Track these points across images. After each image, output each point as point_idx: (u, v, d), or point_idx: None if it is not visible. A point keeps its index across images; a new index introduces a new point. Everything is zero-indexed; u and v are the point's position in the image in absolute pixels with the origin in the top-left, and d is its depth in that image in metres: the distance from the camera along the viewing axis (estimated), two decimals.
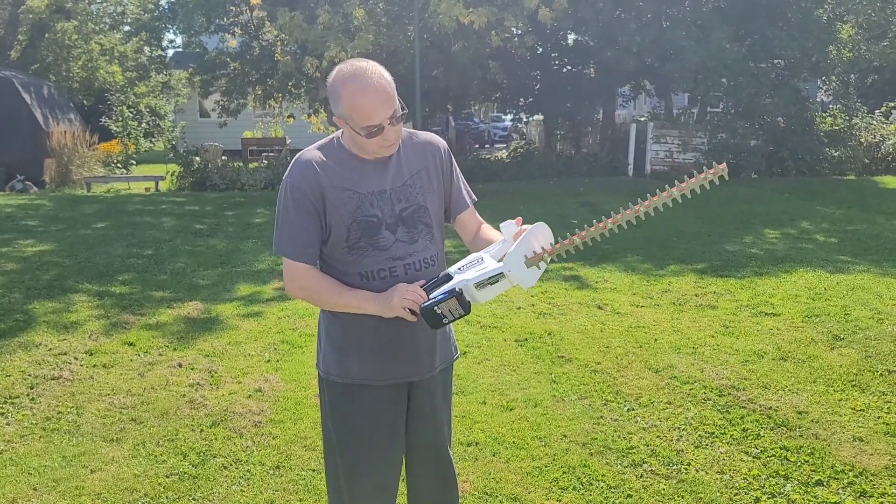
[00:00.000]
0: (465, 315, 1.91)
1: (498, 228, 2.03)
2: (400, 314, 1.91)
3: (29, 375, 4.37)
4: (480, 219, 2.26)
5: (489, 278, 1.89)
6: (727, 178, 1.88)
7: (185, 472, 3.26)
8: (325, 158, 2.01)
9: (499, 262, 1.91)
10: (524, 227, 1.97)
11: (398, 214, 2.03)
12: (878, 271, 6.60)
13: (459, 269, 1.94)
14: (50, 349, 4.82)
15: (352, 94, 1.89)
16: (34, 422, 3.78)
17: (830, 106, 19.12)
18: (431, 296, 1.90)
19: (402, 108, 1.95)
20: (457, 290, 1.88)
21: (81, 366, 4.55)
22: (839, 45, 17.84)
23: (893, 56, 19.63)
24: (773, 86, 14.98)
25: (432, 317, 1.90)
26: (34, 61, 21.73)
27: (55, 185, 14.82)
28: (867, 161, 15.77)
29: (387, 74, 1.94)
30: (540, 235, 1.96)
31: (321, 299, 2.06)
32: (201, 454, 3.42)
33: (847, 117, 16.72)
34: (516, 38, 14.93)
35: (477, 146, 24.04)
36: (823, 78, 19.50)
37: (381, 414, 2.10)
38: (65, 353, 4.74)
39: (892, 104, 17.35)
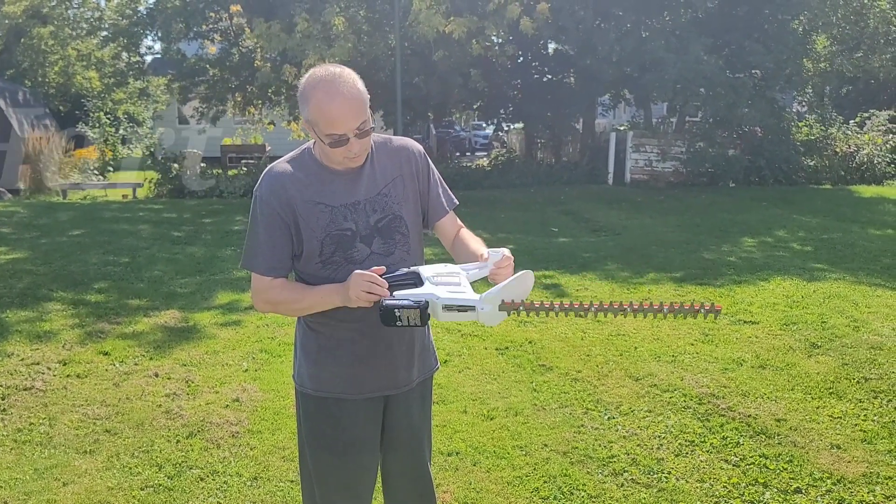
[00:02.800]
0: (417, 326, 1.84)
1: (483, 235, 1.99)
2: (360, 304, 1.83)
3: (0, 386, 4.28)
4: (460, 223, 2.20)
5: (460, 305, 1.82)
6: (716, 320, 1.86)
7: (160, 485, 3.20)
8: (295, 171, 1.96)
9: (475, 293, 1.84)
10: (511, 261, 1.91)
11: (373, 226, 1.98)
12: (854, 279, 6.68)
13: (433, 277, 1.87)
14: (22, 359, 4.73)
15: (320, 99, 1.84)
16: (5, 433, 3.69)
17: (806, 116, 19.39)
18: (398, 295, 1.82)
19: (372, 122, 1.90)
20: (423, 302, 1.81)
21: (55, 376, 4.47)
22: (814, 56, 18.12)
23: (867, 67, 19.98)
24: (750, 96, 15.17)
25: (388, 316, 1.81)
26: (9, 66, 21.47)
27: (30, 192, 14.62)
28: (842, 171, 16.01)
29: (360, 84, 1.88)
30: (523, 285, 1.89)
31: (290, 308, 2.02)
32: (177, 466, 3.37)
33: (822, 127, 16.98)
34: (497, 47, 15.00)
35: (458, 154, 24.07)
36: (799, 89, 19.79)
37: (356, 428, 2.06)
38: (38, 363, 4.65)
39: (866, 115, 17.63)
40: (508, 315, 1.87)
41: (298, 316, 2.06)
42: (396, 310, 1.80)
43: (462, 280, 1.88)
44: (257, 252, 1.97)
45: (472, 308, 1.82)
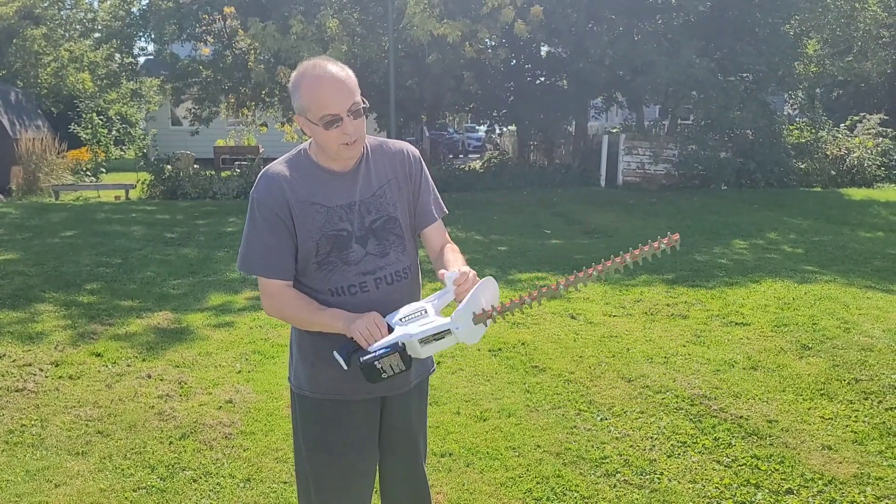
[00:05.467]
0: (404, 371, 1.83)
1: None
2: (352, 334, 1.85)
3: None
4: (447, 238, 2.16)
5: (434, 335, 1.82)
6: (678, 249, 1.86)
7: (153, 486, 3.20)
8: (291, 172, 1.96)
9: (445, 317, 1.84)
10: (469, 275, 1.89)
11: (368, 226, 1.98)
12: (844, 281, 6.72)
13: (402, 320, 1.85)
14: (14, 360, 4.71)
15: (309, 82, 1.86)
16: None
17: (797, 119, 19.50)
18: (371, 348, 1.81)
19: (364, 103, 1.90)
20: (399, 344, 1.80)
21: (46, 377, 4.46)
22: (805, 59, 18.21)
23: (857, 71, 20.10)
24: (742, 99, 15.26)
25: (371, 371, 1.81)
26: (1, 67, 21.38)
27: (22, 193, 14.55)
28: (833, 173, 16.10)
29: (348, 69, 1.91)
30: (488, 291, 1.87)
31: (296, 321, 2.01)
32: (170, 467, 3.36)
33: (813, 130, 17.07)
34: (490, 50, 15.03)
35: (451, 156, 24.10)
36: (790, 92, 19.90)
37: (353, 429, 2.06)
38: (29, 365, 4.63)
39: (856, 118, 17.74)
40: (486, 326, 1.87)
41: (301, 328, 2.05)
42: (376, 362, 1.80)
43: (429, 311, 1.87)
44: (259, 255, 1.96)
45: (448, 331, 1.82)
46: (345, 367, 1.86)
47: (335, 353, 1.87)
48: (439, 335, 1.82)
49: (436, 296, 1.92)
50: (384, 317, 1.88)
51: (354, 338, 1.84)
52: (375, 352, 1.80)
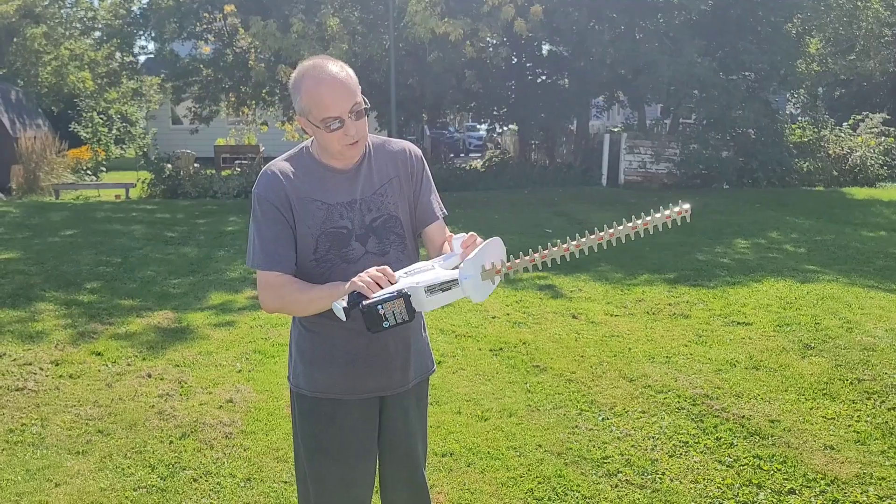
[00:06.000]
0: (407, 322, 1.74)
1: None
2: (352, 286, 1.76)
3: None
4: (449, 234, 2.12)
5: (441, 283, 1.75)
6: (688, 221, 1.83)
7: (153, 485, 3.19)
8: (292, 169, 1.96)
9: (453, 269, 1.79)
10: (477, 238, 1.86)
11: (368, 225, 1.97)
12: (847, 281, 6.71)
13: (406, 272, 1.81)
14: (14, 359, 4.70)
15: (310, 84, 1.85)
16: None
17: (799, 118, 19.48)
18: (375, 294, 1.73)
19: (365, 104, 1.89)
20: (405, 291, 1.72)
21: (47, 376, 4.45)
22: (807, 58, 18.20)
23: (860, 70, 20.07)
24: (744, 98, 15.23)
25: (373, 316, 1.72)
26: (2, 66, 21.38)
27: (22, 192, 14.54)
28: (835, 172, 16.08)
29: (349, 69, 1.89)
30: (496, 251, 1.83)
31: (296, 302, 1.93)
32: (170, 466, 3.35)
33: (815, 130, 17.05)
34: (491, 49, 15.01)
35: (452, 155, 24.09)
36: (792, 91, 19.88)
37: (351, 429, 2.05)
38: (30, 364, 4.63)
39: (859, 117, 17.72)
40: (494, 285, 1.82)
41: (302, 314, 1.99)
42: (379, 306, 1.71)
43: (436, 266, 1.82)
44: (262, 249, 1.94)
45: (455, 282, 1.76)
46: (343, 319, 1.76)
47: (334, 303, 1.77)
48: (446, 285, 1.76)
49: (443, 257, 1.89)
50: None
51: (355, 287, 1.75)
52: (378, 296, 1.72)
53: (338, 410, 2.03)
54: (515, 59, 17.59)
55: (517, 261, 1.82)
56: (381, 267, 1.79)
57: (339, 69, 1.86)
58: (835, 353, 4.78)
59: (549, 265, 1.87)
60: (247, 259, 1.99)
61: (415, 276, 1.79)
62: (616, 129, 18.81)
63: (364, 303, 1.72)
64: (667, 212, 1.79)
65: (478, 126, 30.18)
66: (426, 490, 2.25)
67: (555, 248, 1.84)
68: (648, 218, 1.80)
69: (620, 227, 1.81)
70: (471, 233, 1.88)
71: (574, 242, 1.84)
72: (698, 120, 16.34)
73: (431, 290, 1.75)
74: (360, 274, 1.77)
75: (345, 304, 1.76)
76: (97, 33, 22.05)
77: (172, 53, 16.79)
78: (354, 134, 1.88)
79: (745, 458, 3.40)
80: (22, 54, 21.60)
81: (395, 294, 1.72)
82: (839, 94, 24.53)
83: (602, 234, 1.82)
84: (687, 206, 1.79)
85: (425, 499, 2.25)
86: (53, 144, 15.74)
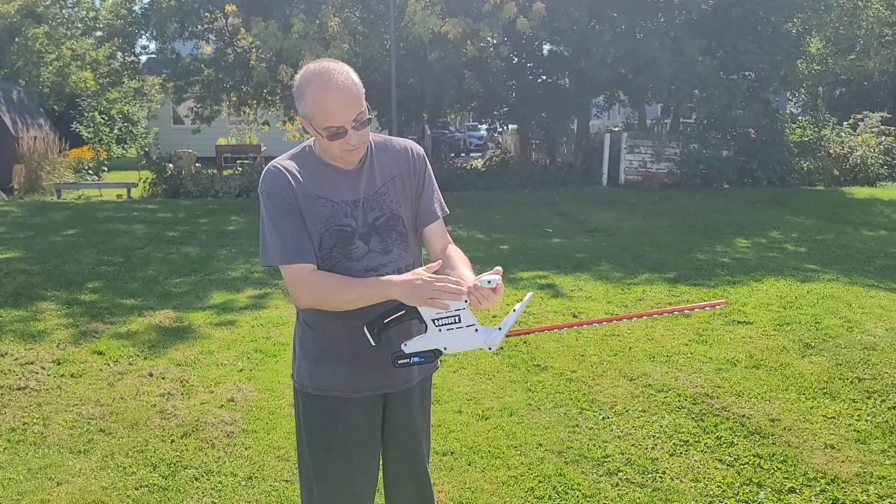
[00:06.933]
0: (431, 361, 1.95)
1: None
2: (430, 305, 1.84)
3: None
4: (448, 237, 2.15)
5: (465, 349, 1.92)
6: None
7: (154, 484, 3.20)
8: (297, 166, 1.97)
9: (477, 329, 1.89)
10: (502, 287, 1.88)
11: (371, 223, 1.98)
12: (847, 280, 6.71)
13: (435, 321, 1.87)
14: (16, 359, 4.71)
15: (315, 92, 1.84)
16: None
17: (799, 118, 19.47)
18: (411, 351, 1.90)
19: (369, 113, 1.90)
20: (435, 352, 1.90)
21: (49, 375, 4.46)
22: (808, 58, 18.19)
23: (860, 69, 20.07)
24: (744, 98, 15.24)
25: (402, 361, 1.92)
26: (3, 66, 21.39)
27: (24, 192, 14.56)
28: (836, 172, 16.08)
29: (354, 76, 1.88)
30: (522, 304, 1.92)
31: (336, 298, 1.92)
32: (172, 465, 3.36)
33: (816, 129, 17.05)
34: (492, 48, 15.01)
35: (453, 155, 24.10)
36: (793, 90, 19.87)
37: (356, 426, 2.06)
38: (31, 363, 4.64)
39: (859, 116, 17.71)
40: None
41: (341, 308, 1.96)
42: (412, 359, 1.91)
43: (463, 317, 1.88)
44: (279, 244, 1.92)
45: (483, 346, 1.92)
46: (373, 343, 1.91)
47: (365, 328, 1.90)
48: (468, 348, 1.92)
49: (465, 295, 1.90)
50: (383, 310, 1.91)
51: (429, 307, 1.84)
52: (411, 358, 1.90)
53: (342, 408, 2.04)
54: (516, 59, 17.59)
55: (534, 328, 2.03)
56: (429, 281, 1.84)
57: (345, 78, 1.85)
58: (835, 352, 4.78)
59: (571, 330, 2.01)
60: (262, 258, 1.97)
61: (445, 334, 1.88)
62: (616, 129, 18.81)
63: (399, 361, 1.91)
64: (698, 304, 1.95)
65: (478, 126, 30.18)
66: (430, 486, 2.26)
67: (579, 323, 2.06)
68: (681, 307, 2.00)
69: (641, 313, 2.02)
70: (497, 279, 1.86)
71: (600, 319, 2.05)
72: (699, 119, 16.36)
73: (455, 349, 1.91)
74: (422, 291, 1.83)
75: (370, 337, 1.91)
76: (98, 33, 22.08)
77: (174, 53, 16.79)
78: (355, 142, 1.90)
79: (745, 456, 3.41)
80: (24, 54, 21.62)
81: (429, 357, 1.90)
82: (839, 93, 24.52)
83: (632, 315, 2.02)
84: (724, 301, 1.94)
85: (429, 495, 2.26)
86: (55, 144, 15.76)
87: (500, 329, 1.89)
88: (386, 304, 1.90)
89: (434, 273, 1.89)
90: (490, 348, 1.90)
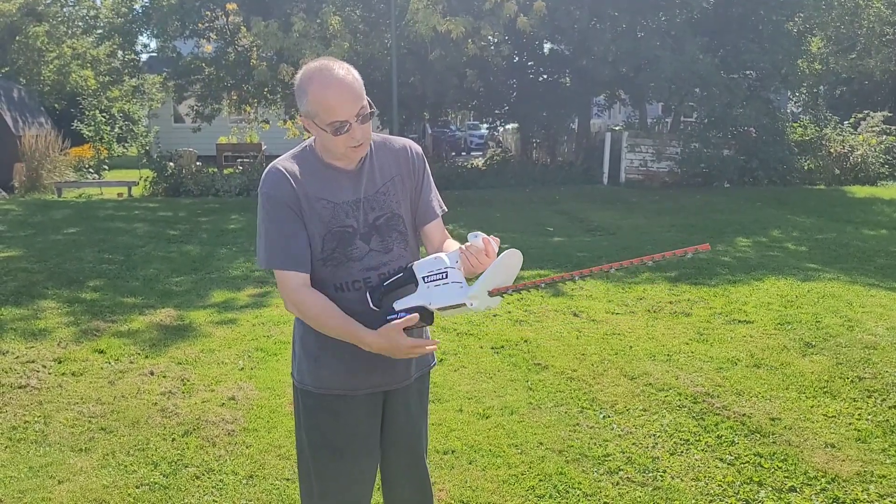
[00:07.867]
0: (427, 325, 1.97)
1: (466, 239, 1.96)
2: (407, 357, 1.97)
3: None
4: (447, 235, 2.17)
5: (453, 306, 1.90)
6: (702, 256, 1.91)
7: (156, 483, 3.20)
8: (297, 167, 1.96)
9: (464, 284, 1.90)
10: (491, 242, 1.90)
11: (371, 223, 1.99)
12: (848, 279, 6.71)
13: (424, 278, 1.91)
14: (17, 357, 4.72)
15: (317, 88, 1.85)
16: (0, 431, 3.69)
17: (800, 117, 19.47)
18: (398, 310, 1.92)
19: (371, 107, 1.90)
20: (422, 307, 1.91)
21: (50, 374, 4.46)
22: (809, 57, 18.18)
23: (861, 68, 20.05)
24: (745, 97, 15.23)
25: (391, 317, 1.95)
26: (4, 64, 21.40)
27: (25, 190, 14.56)
28: (836, 171, 16.07)
29: (355, 72, 1.90)
30: (509, 266, 1.90)
31: (317, 322, 1.97)
32: (173, 464, 3.37)
33: (817, 128, 17.04)
34: (493, 47, 15.00)
35: (453, 154, 24.09)
36: (794, 89, 19.86)
37: (356, 425, 2.06)
38: (32, 361, 4.64)
39: (860, 115, 17.70)
40: (502, 297, 1.93)
41: (319, 330, 2.00)
42: (398, 315, 1.92)
43: (449, 273, 1.90)
44: (277, 248, 1.94)
45: (463, 304, 1.89)
46: (374, 308, 1.96)
47: (367, 294, 1.97)
48: (457, 306, 1.90)
49: (455, 254, 1.93)
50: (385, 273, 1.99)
51: (421, 264, 1.94)
52: (399, 314, 1.91)
53: (343, 406, 2.05)
54: (517, 58, 17.57)
55: (520, 285, 1.92)
56: (401, 342, 1.89)
57: (346, 73, 1.86)
58: (836, 351, 4.78)
59: (552, 286, 1.95)
60: (258, 260, 1.99)
61: (431, 289, 1.91)
62: (617, 128, 18.81)
63: (388, 317, 1.92)
64: (679, 251, 1.88)
65: (479, 124, 30.16)
66: (429, 483, 2.27)
67: (556, 277, 1.98)
68: (668, 253, 1.90)
69: (629, 262, 1.93)
70: (486, 238, 1.91)
71: (577, 273, 1.99)
72: (699, 118, 16.35)
73: (444, 309, 1.91)
74: (400, 349, 1.91)
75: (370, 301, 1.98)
76: (99, 31, 22.08)
77: (175, 51, 16.79)
78: (360, 137, 1.90)
79: (745, 455, 3.41)
80: (24, 53, 21.64)
81: (415, 311, 1.91)
82: (840, 92, 24.51)
83: (610, 266, 1.99)
84: (706, 245, 1.85)
85: (428, 492, 2.27)
86: (56, 142, 15.76)
87: (479, 283, 1.87)
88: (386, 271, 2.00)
89: (425, 258, 1.97)
90: (472, 304, 1.88)
